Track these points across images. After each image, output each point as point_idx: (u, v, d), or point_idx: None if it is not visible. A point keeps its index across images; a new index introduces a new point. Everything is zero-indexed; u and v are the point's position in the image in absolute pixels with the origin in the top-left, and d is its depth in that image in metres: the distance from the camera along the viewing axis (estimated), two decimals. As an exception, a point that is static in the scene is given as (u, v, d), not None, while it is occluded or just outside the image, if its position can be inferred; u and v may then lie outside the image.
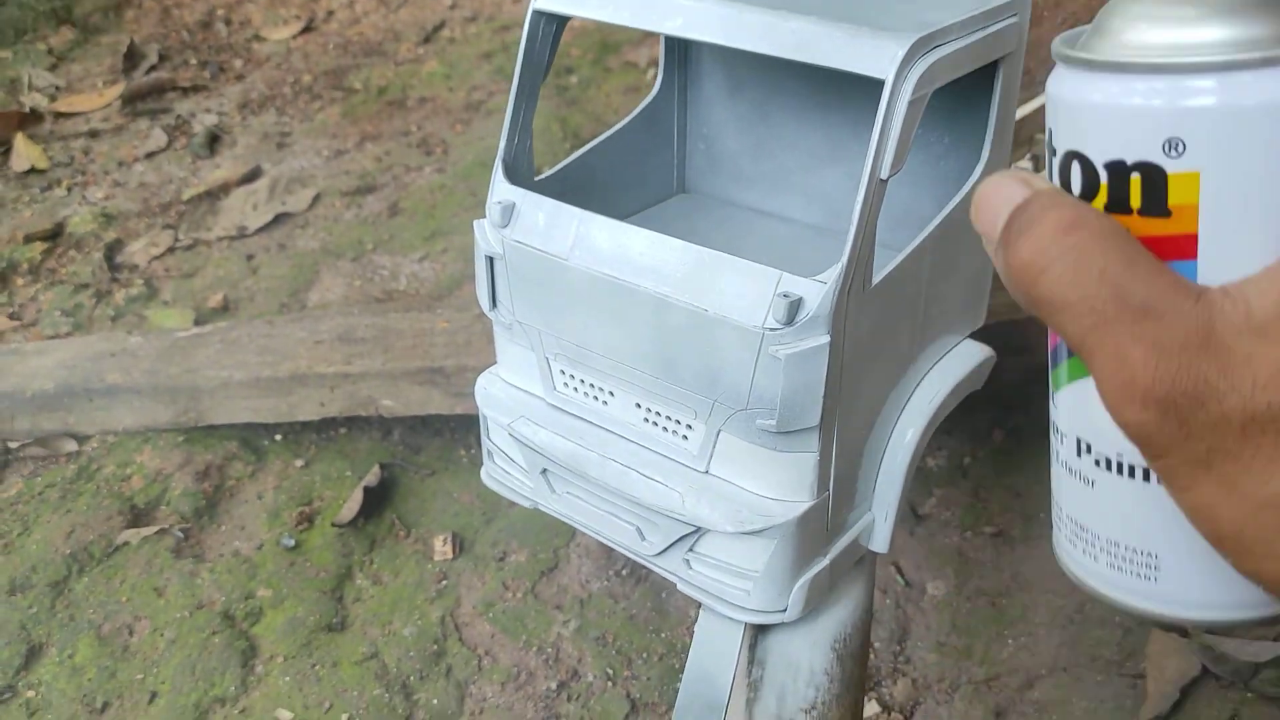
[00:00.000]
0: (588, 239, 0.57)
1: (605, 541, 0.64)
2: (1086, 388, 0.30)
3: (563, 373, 0.62)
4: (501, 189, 0.60)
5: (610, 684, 0.87)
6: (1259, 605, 0.32)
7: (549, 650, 0.90)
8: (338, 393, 1.04)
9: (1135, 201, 0.30)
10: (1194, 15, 0.29)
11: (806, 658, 0.61)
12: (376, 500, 1.03)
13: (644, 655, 0.88)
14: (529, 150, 0.62)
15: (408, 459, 1.07)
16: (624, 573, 0.95)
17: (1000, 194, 0.31)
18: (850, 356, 0.53)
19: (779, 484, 0.56)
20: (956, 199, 0.58)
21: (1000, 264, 0.30)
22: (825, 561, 0.59)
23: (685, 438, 0.58)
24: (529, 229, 0.59)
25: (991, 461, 0.99)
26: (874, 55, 0.48)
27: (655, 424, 0.59)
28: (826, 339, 0.50)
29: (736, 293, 0.52)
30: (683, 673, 0.85)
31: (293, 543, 0.99)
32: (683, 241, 0.54)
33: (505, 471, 0.68)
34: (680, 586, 0.61)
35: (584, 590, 0.94)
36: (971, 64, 0.53)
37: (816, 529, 0.58)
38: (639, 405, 0.59)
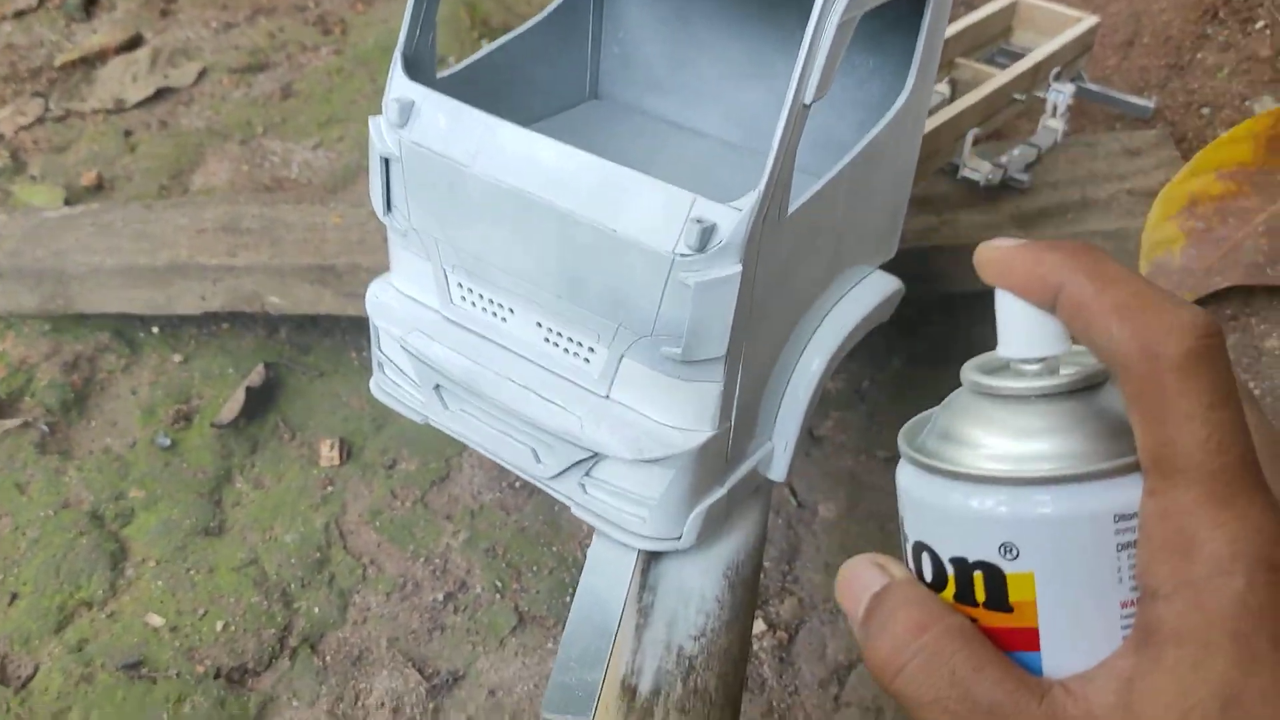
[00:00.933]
0: (493, 146, 0.53)
1: (498, 461, 0.62)
2: None
3: (460, 285, 0.59)
4: (400, 85, 0.56)
5: (499, 596, 0.86)
6: None
7: (437, 561, 0.88)
8: (220, 286, 0.98)
9: (979, 596, 0.32)
10: (1031, 429, 0.31)
11: (698, 584, 0.60)
12: (260, 401, 0.99)
13: (534, 568, 0.87)
14: (432, 43, 0.58)
15: (294, 359, 1.03)
16: (517, 485, 0.93)
17: (859, 580, 0.33)
18: (761, 286, 0.51)
19: (681, 413, 0.55)
20: (879, 127, 0.56)
21: (864, 654, 0.32)
22: (722, 491, 0.58)
23: (587, 361, 0.56)
24: (429, 131, 0.55)
25: (889, 387, 0.99)
26: (807, -29, 0.45)
27: (556, 345, 0.57)
28: (739, 269, 0.48)
29: (647, 214, 0.50)
30: (574, 591, 0.85)
31: (169, 442, 0.95)
32: (594, 156, 0.51)
33: (395, 384, 0.65)
34: (575, 510, 0.60)
35: (475, 501, 0.92)
36: (901, -13, 0.51)
37: (716, 458, 0.57)
38: (539, 324, 0.57)
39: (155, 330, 1.04)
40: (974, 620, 0.32)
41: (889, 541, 0.88)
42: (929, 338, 0.99)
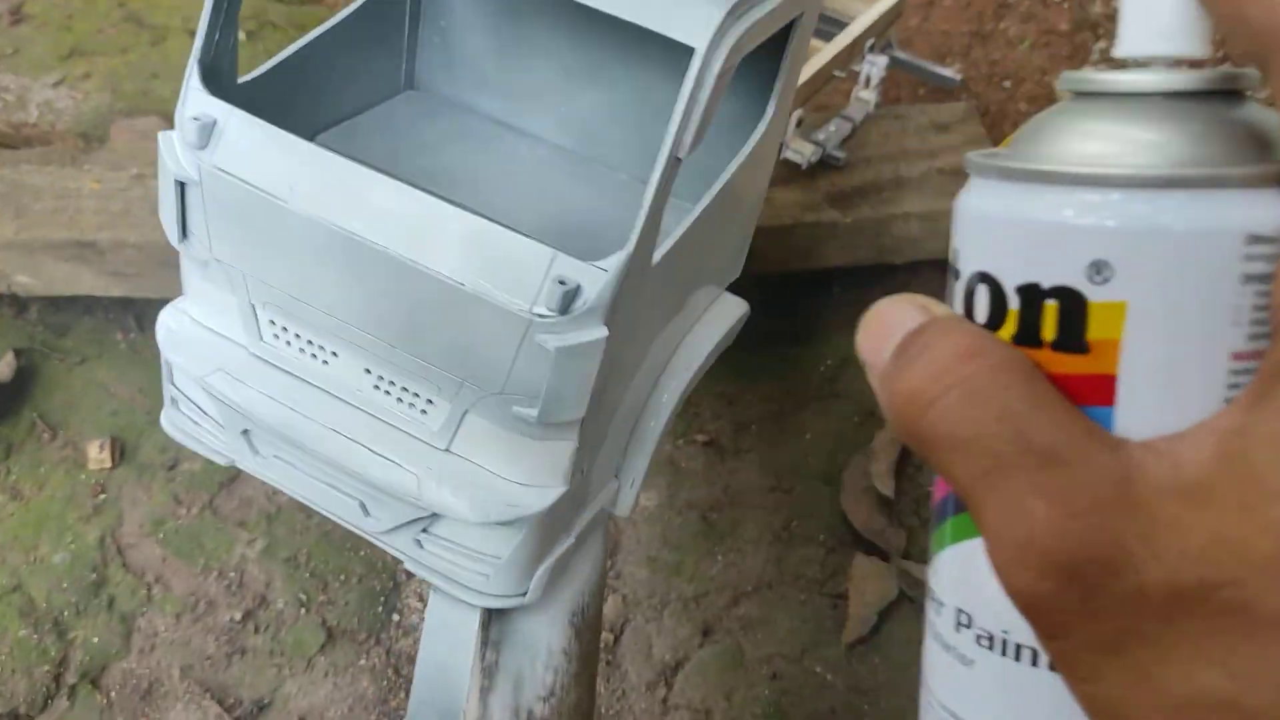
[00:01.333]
0: (314, 179, 0.46)
1: (320, 512, 0.56)
2: (973, 549, 0.25)
3: (273, 323, 0.52)
4: (198, 100, 0.47)
5: (303, 611, 0.80)
6: None
7: (232, 575, 0.81)
8: (-47, 262, 0.85)
9: (1048, 333, 0.25)
10: (1154, 131, 0.25)
11: (545, 637, 0.56)
12: (11, 395, 0.87)
13: (341, 577, 0.82)
14: (233, 47, 0.50)
15: (50, 343, 0.91)
16: (317, 484, 0.86)
17: (893, 317, 0.26)
18: (621, 337, 0.47)
19: (531, 470, 0.50)
20: (740, 157, 0.52)
21: (884, 394, 0.25)
22: (570, 540, 0.55)
23: (424, 412, 0.51)
24: (235, 155, 0.47)
25: (707, 370, 0.98)
26: (688, 19, 0.41)
27: (388, 394, 0.51)
28: (604, 332, 0.44)
29: (501, 268, 0.44)
30: (385, 601, 0.79)
31: (-100, 447, 0.82)
32: (438, 200, 0.45)
33: (194, 423, 0.57)
34: (408, 565, 0.55)
35: (271, 504, 0.84)
36: (774, 28, 0.47)
37: (566, 511, 0.53)
38: (369, 371, 0.51)
39: (-128, 313, 0.90)
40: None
41: (711, 534, 0.87)
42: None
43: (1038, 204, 0.25)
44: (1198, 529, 0.22)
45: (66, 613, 0.77)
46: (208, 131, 0.47)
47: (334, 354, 0.51)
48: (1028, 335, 0.25)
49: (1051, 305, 0.25)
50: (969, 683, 0.29)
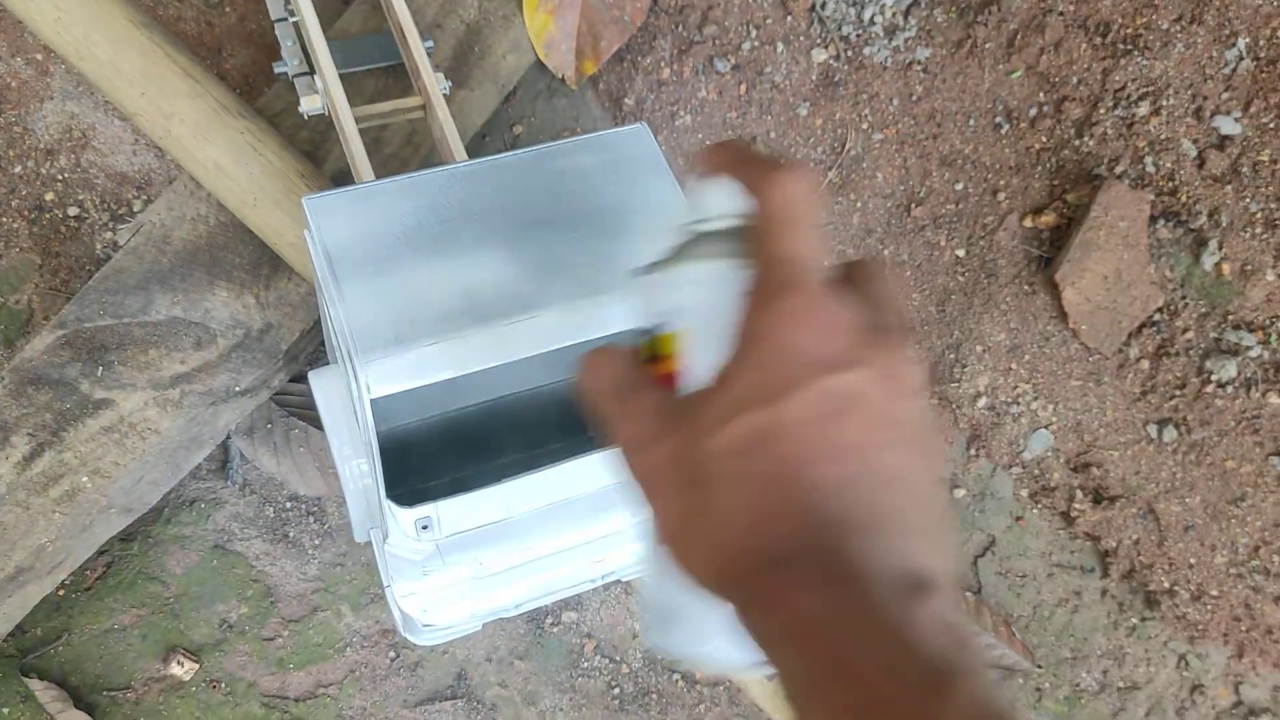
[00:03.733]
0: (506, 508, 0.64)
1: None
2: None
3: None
4: (409, 513, 0.60)
5: None
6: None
7: None
8: None
9: (645, 354, 0.44)
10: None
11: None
12: None
13: None
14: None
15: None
16: None
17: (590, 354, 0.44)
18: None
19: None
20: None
21: (580, 387, 0.43)
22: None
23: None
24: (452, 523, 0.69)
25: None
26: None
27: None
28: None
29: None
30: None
31: None
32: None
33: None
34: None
35: None
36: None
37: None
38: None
39: None
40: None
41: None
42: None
43: (651, 289, 0.44)
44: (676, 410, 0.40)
45: None
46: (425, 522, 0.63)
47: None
48: (647, 356, 0.44)
49: (653, 338, 0.44)
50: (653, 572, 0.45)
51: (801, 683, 0.34)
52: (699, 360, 0.41)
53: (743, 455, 0.37)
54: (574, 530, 0.73)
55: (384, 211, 0.69)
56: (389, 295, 0.65)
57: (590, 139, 0.74)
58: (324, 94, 0.96)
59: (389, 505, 0.68)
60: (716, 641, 0.43)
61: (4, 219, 1.13)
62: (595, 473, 0.69)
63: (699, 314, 0.42)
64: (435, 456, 0.82)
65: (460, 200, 0.70)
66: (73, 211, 1.14)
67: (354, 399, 0.66)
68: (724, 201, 0.43)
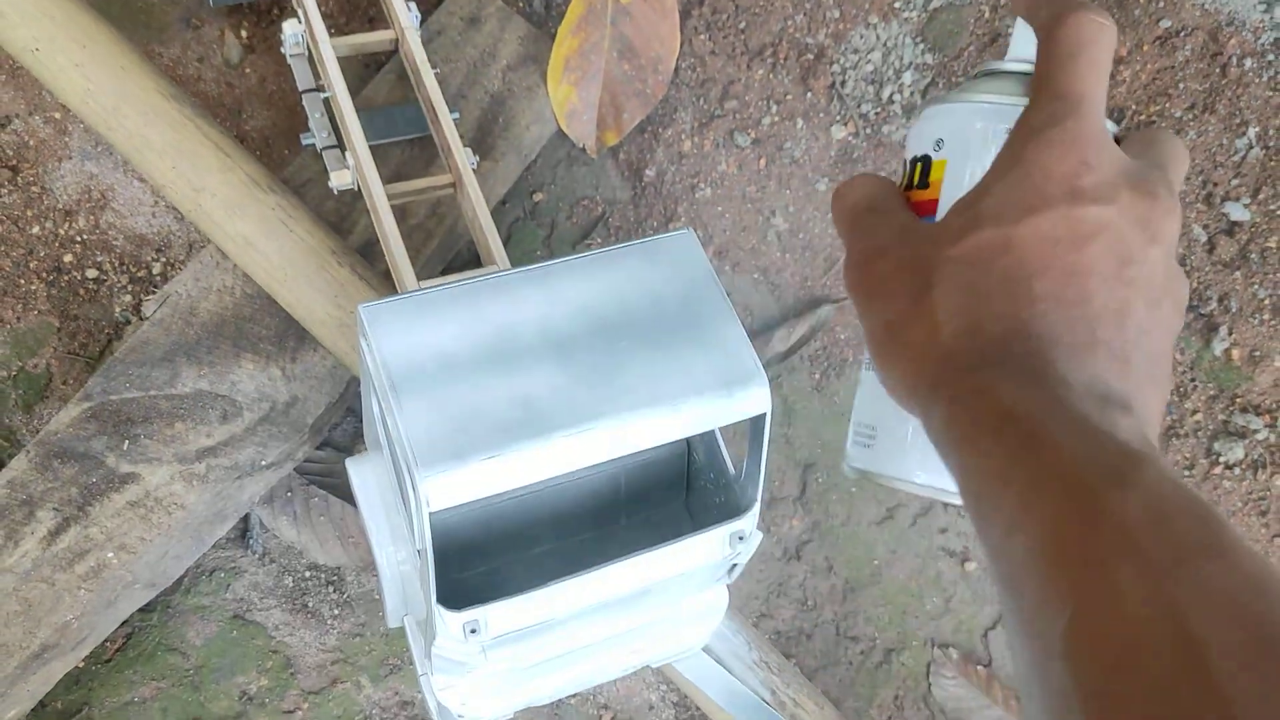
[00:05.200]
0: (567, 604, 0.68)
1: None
2: None
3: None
4: (458, 617, 0.62)
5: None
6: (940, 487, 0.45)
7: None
8: None
9: (914, 180, 0.46)
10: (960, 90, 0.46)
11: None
12: None
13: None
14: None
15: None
16: None
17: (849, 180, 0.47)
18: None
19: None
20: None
21: (834, 210, 0.46)
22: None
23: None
24: (500, 625, 0.68)
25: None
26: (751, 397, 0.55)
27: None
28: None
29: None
30: None
31: None
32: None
33: None
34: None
35: None
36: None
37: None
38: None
39: None
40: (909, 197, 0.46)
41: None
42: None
43: (924, 119, 0.46)
44: (935, 231, 0.41)
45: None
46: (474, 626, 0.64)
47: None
48: (908, 183, 0.46)
49: (917, 165, 0.46)
50: (858, 395, 0.49)
51: (992, 470, 0.34)
52: (959, 192, 0.41)
53: (976, 264, 0.38)
54: (615, 621, 0.73)
55: (438, 319, 0.70)
56: (446, 406, 0.66)
57: (637, 246, 0.75)
58: (355, 170, 0.97)
59: (438, 610, 0.69)
60: (910, 462, 0.45)
61: (22, 281, 1.12)
62: (640, 572, 0.70)
63: (969, 146, 0.43)
64: (471, 547, 0.83)
65: (511, 308, 0.71)
66: (91, 274, 1.13)
67: (408, 507, 0.67)
68: (1026, 46, 0.43)
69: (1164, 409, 0.40)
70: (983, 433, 0.35)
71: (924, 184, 0.44)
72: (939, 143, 0.44)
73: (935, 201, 0.44)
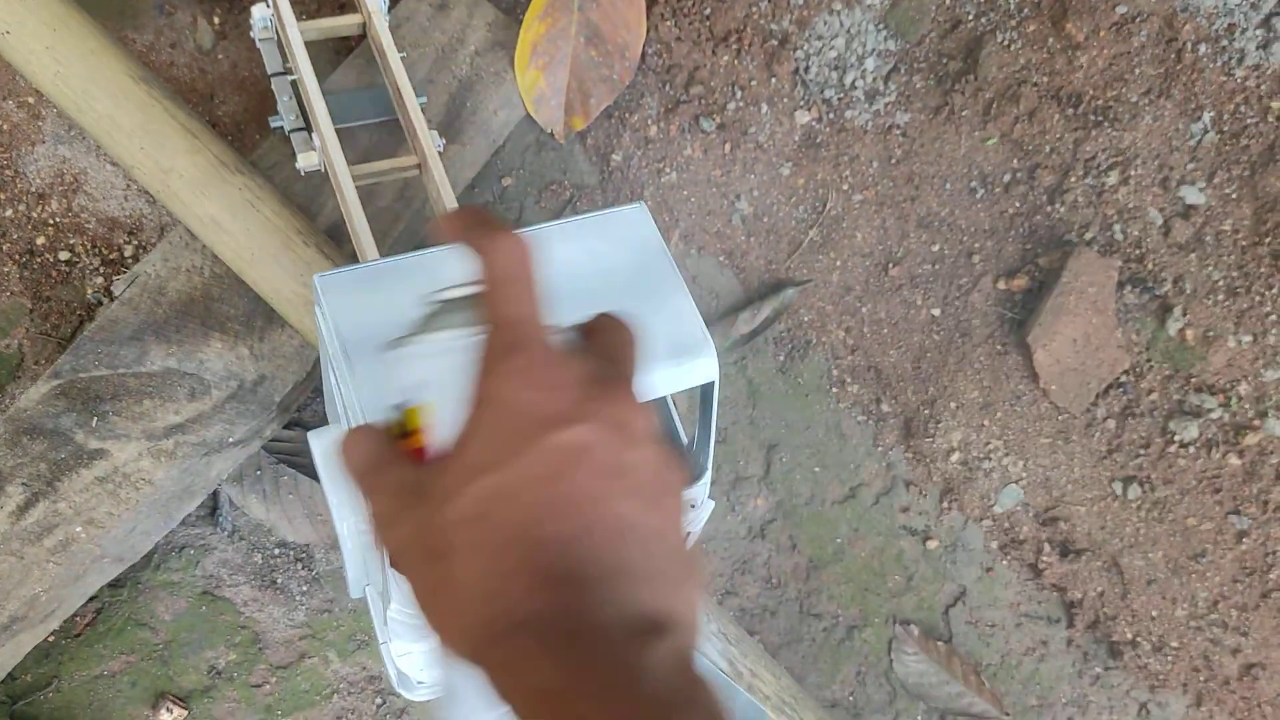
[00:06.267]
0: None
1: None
2: None
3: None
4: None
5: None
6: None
7: None
8: None
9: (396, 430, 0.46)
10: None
11: None
12: None
13: None
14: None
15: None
16: None
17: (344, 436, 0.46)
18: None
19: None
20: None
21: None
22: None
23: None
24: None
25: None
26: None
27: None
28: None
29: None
30: None
31: None
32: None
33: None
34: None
35: None
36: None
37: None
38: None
39: None
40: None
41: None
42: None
43: (394, 365, 0.46)
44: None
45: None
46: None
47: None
48: (400, 432, 0.44)
49: (402, 413, 0.45)
50: None
51: None
52: (445, 431, 0.41)
53: (477, 521, 0.37)
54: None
55: (391, 289, 0.71)
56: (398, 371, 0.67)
57: (591, 219, 0.77)
58: (321, 151, 0.98)
59: (393, 573, 0.70)
60: (490, 716, 0.45)
61: (-4, 263, 1.14)
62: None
63: (442, 384, 0.43)
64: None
65: (465, 277, 0.72)
66: (64, 256, 1.15)
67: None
68: (463, 269, 0.43)
69: (700, 599, 0.41)
70: (530, 710, 0.35)
71: (412, 431, 0.44)
72: (415, 387, 0.44)
73: (425, 450, 0.44)
